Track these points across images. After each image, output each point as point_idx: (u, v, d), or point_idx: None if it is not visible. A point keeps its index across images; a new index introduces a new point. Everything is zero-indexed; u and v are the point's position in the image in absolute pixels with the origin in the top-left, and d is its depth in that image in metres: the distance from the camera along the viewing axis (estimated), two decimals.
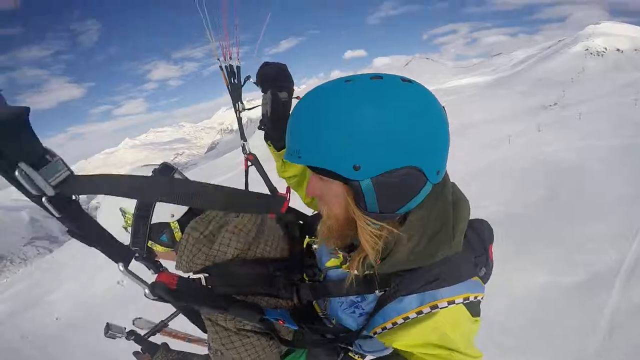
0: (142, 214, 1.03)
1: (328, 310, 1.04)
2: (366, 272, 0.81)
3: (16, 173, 0.50)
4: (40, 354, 9.69)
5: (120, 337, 1.51)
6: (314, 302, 1.09)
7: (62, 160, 0.56)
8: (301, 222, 1.30)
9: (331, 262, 0.94)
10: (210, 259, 1.02)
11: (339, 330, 0.99)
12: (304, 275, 1.07)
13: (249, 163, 1.54)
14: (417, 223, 0.74)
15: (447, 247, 0.76)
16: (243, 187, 1.34)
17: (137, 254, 0.92)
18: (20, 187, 0.52)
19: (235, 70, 1.60)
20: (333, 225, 0.79)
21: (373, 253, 0.74)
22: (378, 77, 0.67)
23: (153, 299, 0.81)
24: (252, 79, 1.51)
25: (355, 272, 0.81)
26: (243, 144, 1.56)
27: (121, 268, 0.72)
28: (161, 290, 0.81)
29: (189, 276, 0.99)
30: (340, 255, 0.89)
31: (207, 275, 1.00)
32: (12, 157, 0.50)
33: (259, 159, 1.53)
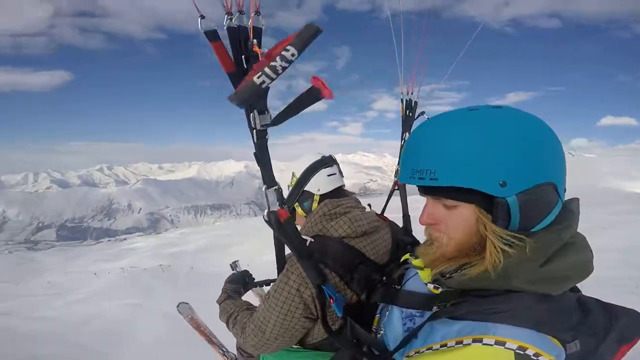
0: (302, 181, 1.41)
1: (384, 322, 1.00)
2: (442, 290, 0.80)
3: (251, 114, 0.88)
4: None
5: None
6: (377, 315, 1.08)
7: (270, 115, 0.89)
8: (411, 245, 1.40)
9: (423, 275, 0.87)
10: (323, 231, 1.28)
11: (376, 345, 0.97)
12: (384, 279, 1.13)
13: (397, 187, 1.80)
14: (541, 243, 0.69)
15: (546, 283, 0.69)
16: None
17: (276, 187, 1.05)
18: (249, 121, 0.89)
19: (413, 105, 1.79)
20: (449, 251, 0.79)
21: (494, 272, 0.71)
22: (497, 106, 0.75)
23: (266, 220, 1.00)
24: (427, 116, 1.67)
25: (435, 288, 0.81)
26: (398, 168, 1.68)
27: (264, 189, 0.99)
28: (273, 217, 0.97)
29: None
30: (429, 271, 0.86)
31: (312, 240, 1.20)
32: (254, 107, 0.87)
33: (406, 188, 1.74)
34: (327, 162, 1.44)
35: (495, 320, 0.66)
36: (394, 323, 0.92)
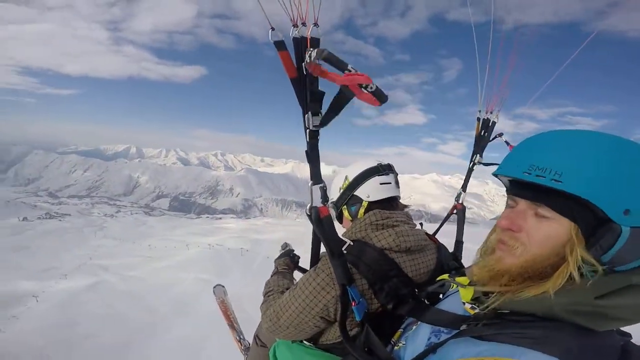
0: (353, 185, 1.41)
1: (408, 336, 0.96)
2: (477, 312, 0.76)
3: (306, 115, 0.97)
4: None
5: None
6: (401, 329, 1.05)
7: (322, 115, 0.97)
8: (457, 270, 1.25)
9: (464, 294, 0.82)
10: (366, 239, 1.25)
11: (387, 357, 0.95)
12: (415, 294, 1.14)
13: (455, 211, 1.77)
14: (605, 278, 0.63)
15: (592, 318, 0.62)
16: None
17: (322, 185, 1.09)
18: (304, 121, 0.98)
19: (490, 125, 1.68)
20: (517, 264, 0.70)
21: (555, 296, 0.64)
22: None
23: (307, 214, 1.07)
24: (505, 138, 1.65)
25: (472, 308, 0.79)
26: (460, 192, 1.78)
27: (310, 184, 1.06)
28: (314, 212, 1.04)
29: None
30: (472, 290, 0.80)
31: (352, 243, 1.21)
32: (309, 109, 0.97)
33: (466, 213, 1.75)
34: (382, 170, 1.41)
35: (525, 344, 0.61)
36: (418, 338, 0.89)
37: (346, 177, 1.43)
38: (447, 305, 0.92)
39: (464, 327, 0.72)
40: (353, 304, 1.06)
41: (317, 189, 1.06)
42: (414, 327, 0.95)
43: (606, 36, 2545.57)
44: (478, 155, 1.71)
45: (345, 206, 1.43)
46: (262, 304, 1.43)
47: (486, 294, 0.75)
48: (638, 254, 0.61)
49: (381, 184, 1.38)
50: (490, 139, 1.71)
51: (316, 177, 1.05)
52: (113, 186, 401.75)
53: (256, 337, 1.93)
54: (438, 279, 1.06)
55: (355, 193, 1.39)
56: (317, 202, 1.06)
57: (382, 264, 1.18)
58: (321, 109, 0.98)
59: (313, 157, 1.02)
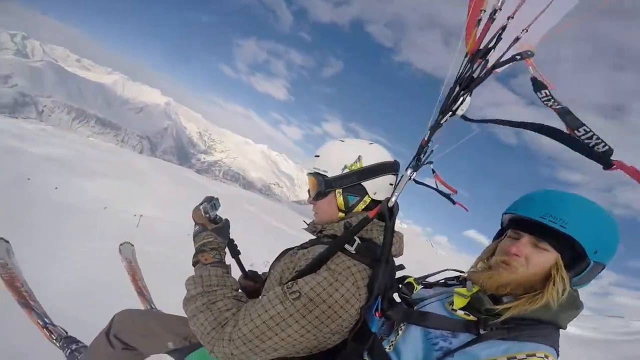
0: (365, 173, 1.21)
1: (398, 340, 1.03)
2: (481, 316, 0.95)
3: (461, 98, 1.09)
4: None
5: None
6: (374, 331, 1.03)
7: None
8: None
9: (458, 302, 1.01)
10: (375, 240, 1.14)
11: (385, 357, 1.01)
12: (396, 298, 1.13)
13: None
14: (575, 295, 0.98)
15: (568, 315, 0.96)
16: None
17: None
18: (450, 103, 1.10)
19: (428, 152, 1.44)
20: (520, 278, 0.97)
21: (553, 304, 0.91)
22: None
23: (388, 208, 1.09)
24: (432, 166, 1.49)
25: (465, 314, 0.98)
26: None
27: (408, 173, 1.14)
28: (385, 204, 1.10)
29: None
30: (468, 296, 1.00)
31: (359, 242, 1.10)
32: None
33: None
34: (396, 170, 1.27)
35: (538, 341, 0.89)
36: (412, 340, 1.00)
37: (359, 158, 1.20)
38: (433, 309, 1.06)
39: (482, 331, 0.91)
40: (377, 314, 0.98)
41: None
42: (400, 330, 1.03)
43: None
44: (414, 172, 1.63)
45: (340, 190, 1.20)
46: (206, 312, 1.07)
47: (495, 299, 0.97)
48: (589, 280, 0.96)
49: (390, 184, 1.23)
50: (425, 163, 1.58)
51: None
52: None
53: (113, 336, 1.50)
54: (406, 281, 1.17)
55: (363, 183, 1.19)
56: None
57: (390, 272, 1.13)
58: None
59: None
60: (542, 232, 0.95)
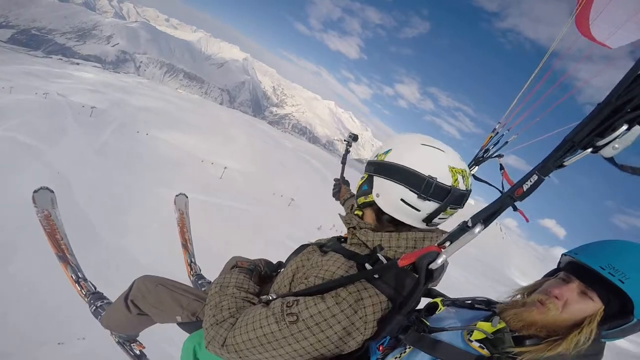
0: (396, 175, 1.05)
1: (404, 358, 0.97)
2: (495, 354, 0.89)
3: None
4: None
5: None
6: (379, 344, 1.02)
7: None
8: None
9: (476, 335, 0.94)
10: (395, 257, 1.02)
11: None
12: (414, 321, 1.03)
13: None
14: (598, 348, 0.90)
15: None
16: None
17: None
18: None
19: (501, 142, 1.58)
20: (550, 322, 0.91)
21: (569, 351, 0.87)
22: None
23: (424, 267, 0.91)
24: (502, 161, 1.54)
25: (480, 347, 0.90)
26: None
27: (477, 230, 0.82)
28: (429, 258, 0.85)
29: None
30: (490, 333, 0.92)
31: (387, 263, 1.00)
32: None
33: None
34: (437, 196, 1.02)
35: None
36: None
37: (389, 150, 1.07)
38: (448, 337, 0.97)
39: None
40: (380, 348, 0.96)
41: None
42: (408, 348, 0.97)
43: None
44: (476, 166, 1.65)
45: (366, 175, 1.13)
46: (207, 310, 1.09)
47: (519, 341, 0.91)
48: (625, 335, 0.87)
49: (403, 201, 1.02)
50: (493, 155, 1.60)
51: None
52: None
53: (130, 302, 1.59)
54: (430, 302, 1.08)
55: (374, 177, 1.08)
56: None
57: (415, 302, 0.96)
58: None
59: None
60: (594, 281, 0.88)
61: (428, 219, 1.01)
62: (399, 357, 0.97)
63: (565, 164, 0.71)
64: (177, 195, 2.52)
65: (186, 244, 2.35)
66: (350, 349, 0.97)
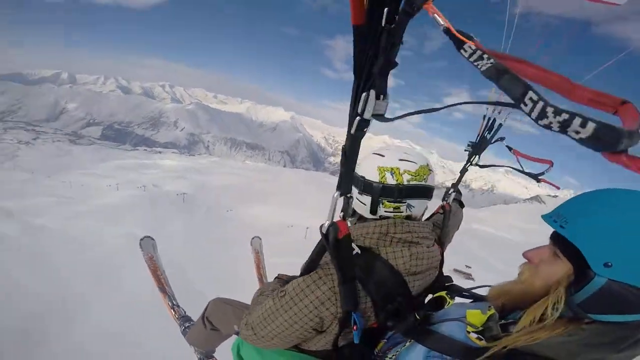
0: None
1: (399, 355, 0.99)
2: (486, 345, 0.80)
3: (365, 94, 0.69)
4: None
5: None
6: (384, 340, 1.09)
7: (387, 105, 0.72)
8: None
9: (475, 319, 0.87)
10: (375, 250, 1.12)
11: None
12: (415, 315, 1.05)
13: (441, 211, 1.65)
14: (595, 332, 0.72)
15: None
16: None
17: (349, 196, 0.95)
18: (357, 103, 0.70)
19: (496, 127, 1.61)
20: (521, 290, 0.84)
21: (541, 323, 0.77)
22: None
23: (322, 233, 0.93)
24: (505, 143, 1.61)
25: (478, 338, 0.82)
26: (450, 191, 1.74)
27: (335, 195, 0.90)
28: (334, 230, 0.91)
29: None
30: (481, 322, 0.87)
31: (358, 252, 1.08)
32: (372, 85, 0.68)
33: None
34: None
35: None
36: (415, 358, 0.91)
37: (428, 166, 1.20)
38: (448, 329, 0.91)
39: None
40: (355, 328, 1.00)
41: (341, 200, 0.91)
42: (407, 343, 0.97)
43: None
44: (477, 156, 1.67)
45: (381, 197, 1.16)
46: (249, 309, 1.30)
47: (504, 327, 0.82)
48: (614, 307, 0.68)
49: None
50: (492, 141, 1.65)
51: (346, 185, 0.90)
52: (34, 111, 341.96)
53: (206, 318, 1.83)
54: (435, 295, 1.10)
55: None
56: (336, 217, 0.93)
57: (390, 284, 1.07)
58: (386, 88, 0.68)
59: (350, 158, 0.83)
60: (559, 238, 0.78)
61: (373, 211, 1.17)
62: (399, 352, 0.98)
63: None
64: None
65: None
66: (329, 319, 1.05)
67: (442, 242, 1.56)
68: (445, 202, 1.69)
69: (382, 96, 0.69)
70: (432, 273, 1.25)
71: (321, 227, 0.93)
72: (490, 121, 1.61)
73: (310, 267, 1.11)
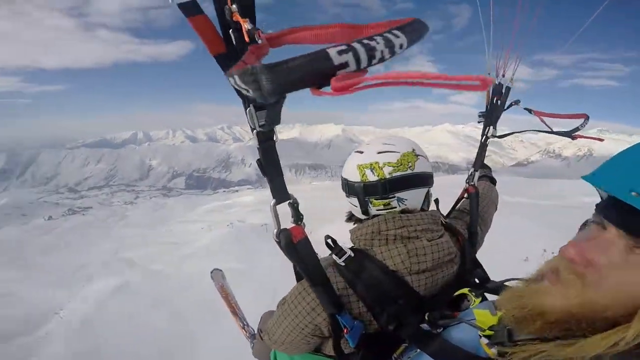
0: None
1: (414, 357, 0.88)
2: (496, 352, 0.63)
3: (248, 109, 0.70)
4: None
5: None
6: (405, 344, 0.96)
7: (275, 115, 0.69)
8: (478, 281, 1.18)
9: (485, 318, 0.69)
10: (369, 251, 1.07)
11: None
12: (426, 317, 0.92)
13: (466, 195, 1.48)
14: None
15: None
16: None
17: (291, 201, 0.93)
18: (248, 118, 0.72)
19: (504, 91, 1.47)
20: (563, 312, 0.53)
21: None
22: None
23: (276, 241, 0.92)
24: (522, 105, 1.46)
25: (487, 345, 0.64)
26: (472, 172, 1.53)
27: (272, 203, 0.88)
28: (285, 237, 0.88)
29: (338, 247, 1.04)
30: (487, 325, 0.69)
31: (352, 254, 1.03)
32: (251, 100, 0.68)
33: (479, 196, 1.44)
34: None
35: None
36: None
37: (413, 152, 1.12)
38: (460, 333, 0.76)
39: None
40: (345, 331, 0.96)
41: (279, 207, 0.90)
42: (417, 350, 0.85)
43: None
44: (491, 127, 1.51)
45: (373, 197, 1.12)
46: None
47: (511, 333, 0.61)
48: None
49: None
50: (505, 107, 1.49)
51: (279, 193, 0.87)
52: (128, 173, 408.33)
53: (259, 331, 1.78)
54: (457, 293, 0.96)
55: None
56: (286, 223, 0.93)
57: (386, 286, 1.01)
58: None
59: (268, 167, 0.82)
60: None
61: (364, 212, 1.13)
62: (410, 358, 0.89)
63: None
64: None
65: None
66: (322, 325, 1.03)
67: (473, 230, 1.36)
68: (469, 185, 1.49)
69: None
70: (448, 268, 1.13)
71: (273, 236, 0.91)
72: (495, 87, 1.45)
73: (298, 277, 1.12)
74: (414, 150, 1.11)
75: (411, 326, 0.90)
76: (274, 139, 0.79)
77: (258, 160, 0.83)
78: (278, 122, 0.67)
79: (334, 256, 1.04)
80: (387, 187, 1.06)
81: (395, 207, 1.10)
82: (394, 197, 1.08)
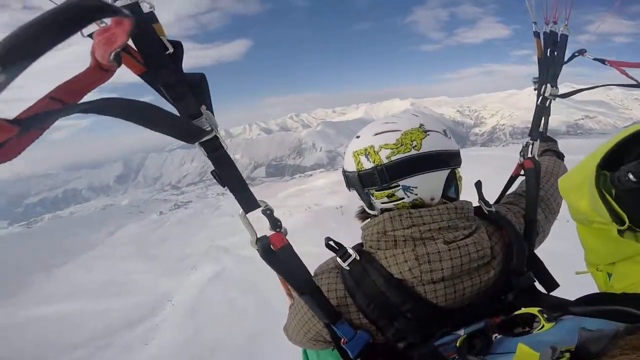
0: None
1: None
2: None
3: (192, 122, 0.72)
4: None
5: None
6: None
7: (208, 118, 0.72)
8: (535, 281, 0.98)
9: (524, 355, 0.55)
10: (375, 255, 0.94)
11: None
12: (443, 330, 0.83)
13: (522, 171, 1.22)
14: None
15: None
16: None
17: (264, 208, 0.87)
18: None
19: (560, 40, 1.24)
20: None
21: None
22: None
23: (255, 248, 0.87)
24: (590, 55, 1.26)
25: None
26: (529, 142, 1.26)
27: (240, 212, 0.85)
28: (262, 246, 0.85)
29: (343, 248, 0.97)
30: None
31: (358, 257, 0.93)
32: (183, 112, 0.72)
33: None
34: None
35: None
36: None
37: (421, 127, 0.94)
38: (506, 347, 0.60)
39: None
40: (342, 341, 0.87)
41: (253, 216, 0.84)
42: None
43: None
44: (548, 85, 1.24)
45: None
46: None
47: None
48: None
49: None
50: (566, 60, 1.26)
51: (246, 201, 0.84)
52: None
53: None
54: (516, 313, 0.72)
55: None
56: (265, 231, 0.89)
57: (389, 297, 0.87)
58: (209, 103, 0.73)
59: (225, 176, 0.79)
60: None
61: (369, 207, 1.01)
62: None
63: None
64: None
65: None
66: (322, 332, 0.98)
67: (531, 218, 1.10)
68: (525, 158, 1.23)
69: (204, 107, 0.71)
70: (479, 275, 0.92)
71: (251, 243, 0.87)
72: (547, 35, 1.24)
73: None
74: (421, 125, 0.93)
75: (426, 347, 0.77)
76: (223, 146, 0.75)
77: (213, 171, 0.79)
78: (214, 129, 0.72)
79: (338, 259, 0.95)
80: (386, 175, 0.91)
81: (403, 198, 0.93)
82: (398, 186, 0.92)
